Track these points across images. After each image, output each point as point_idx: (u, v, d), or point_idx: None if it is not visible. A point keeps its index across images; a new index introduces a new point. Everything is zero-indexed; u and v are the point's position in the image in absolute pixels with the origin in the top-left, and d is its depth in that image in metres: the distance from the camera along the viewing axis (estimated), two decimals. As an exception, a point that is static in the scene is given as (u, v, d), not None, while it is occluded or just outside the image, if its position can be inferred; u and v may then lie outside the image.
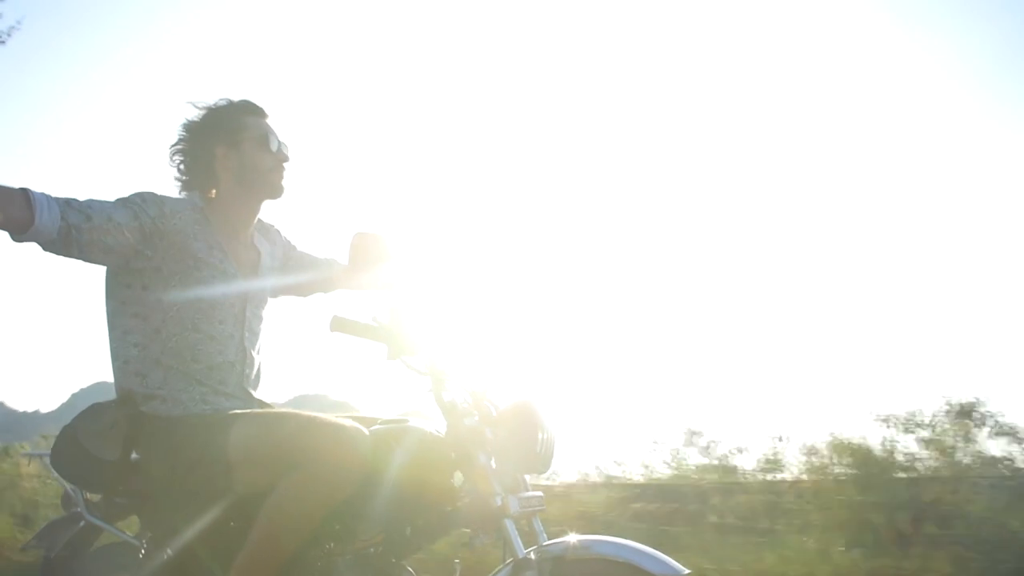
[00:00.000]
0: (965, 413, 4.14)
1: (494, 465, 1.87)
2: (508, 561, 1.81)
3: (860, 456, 4.12)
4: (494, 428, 1.89)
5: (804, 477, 4.34)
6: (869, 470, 4.05)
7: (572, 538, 1.83)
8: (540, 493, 1.95)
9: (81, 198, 1.91)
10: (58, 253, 1.89)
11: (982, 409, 4.16)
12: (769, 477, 4.42)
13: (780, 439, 4.43)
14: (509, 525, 1.81)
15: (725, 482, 4.47)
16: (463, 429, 1.88)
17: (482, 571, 1.90)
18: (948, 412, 4.16)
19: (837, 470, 4.16)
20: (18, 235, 1.80)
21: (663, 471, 4.88)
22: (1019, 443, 4.07)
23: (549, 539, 1.86)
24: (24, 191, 1.79)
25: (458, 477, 1.93)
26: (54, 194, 1.86)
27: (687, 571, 1.71)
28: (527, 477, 1.96)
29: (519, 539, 1.80)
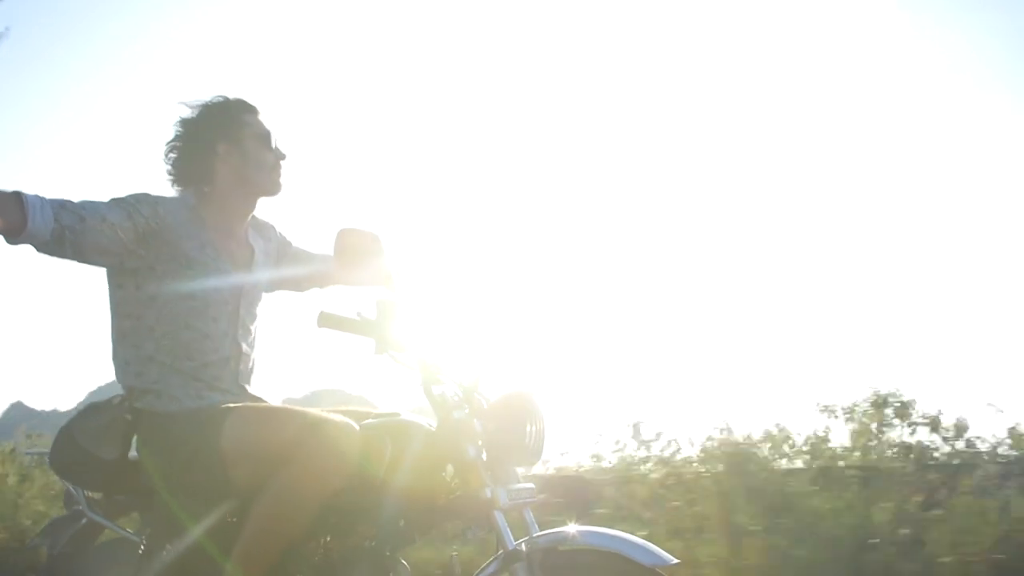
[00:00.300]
0: (882, 404, 4.24)
1: (484, 458, 1.88)
2: (499, 553, 1.82)
3: (733, 449, 4.20)
4: (484, 421, 1.90)
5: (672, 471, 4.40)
6: (742, 462, 4.12)
7: (563, 529, 1.84)
8: (532, 485, 1.96)
9: (75, 200, 1.94)
10: (53, 254, 1.92)
11: (899, 400, 4.24)
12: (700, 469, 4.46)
13: (725, 430, 4.52)
14: (499, 517, 1.82)
15: (624, 475, 4.47)
16: (452, 422, 1.89)
17: (478, 563, 1.90)
18: (870, 402, 4.27)
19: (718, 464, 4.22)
20: (12, 238, 1.83)
21: (606, 462, 4.90)
22: (937, 432, 4.15)
23: (542, 530, 1.87)
24: (17, 194, 1.82)
25: (450, 470, 1.94)
26: (48, 196, 1.89)
27: (676, 560, 1.71)
28: (519, 469, 1.97)
29: (509, 531, 1.81)
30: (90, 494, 2.19)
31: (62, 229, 1.87)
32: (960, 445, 4.07)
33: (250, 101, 2.26)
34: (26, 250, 1.89)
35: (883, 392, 4.24)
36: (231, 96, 2.25)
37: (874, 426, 4.20)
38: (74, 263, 1.97)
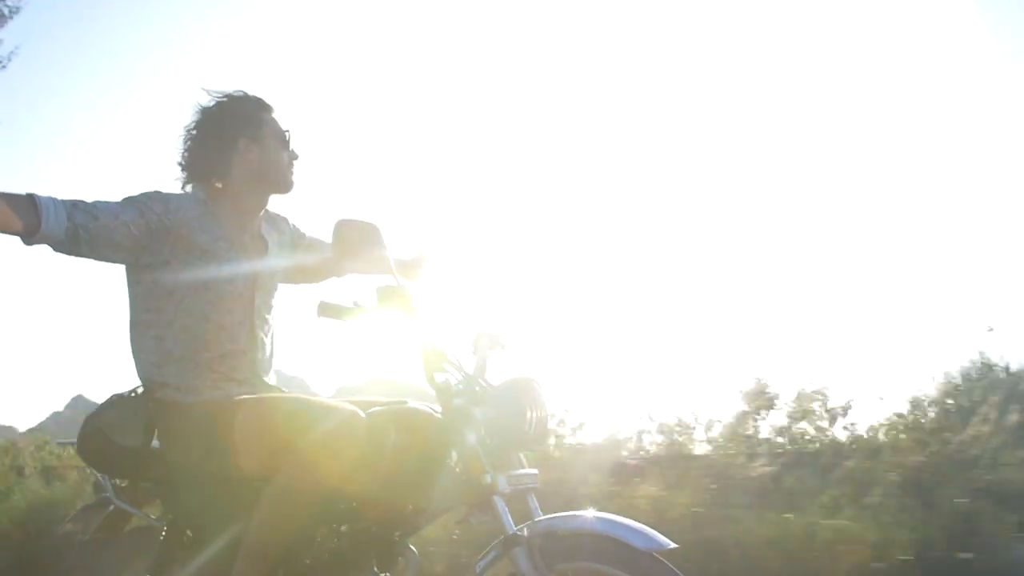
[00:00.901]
0: (756, 395, 4.37)
1: (487, 443, 1.89)
2: (500, 538, 1.83)
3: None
4: (484, 407, 1.91)
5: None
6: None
7: (563, 514, 1.85)
8: (534, 471, 1.97)
9: (88, 200, 2.01)
10: (68, 253, 1.98)
11: (770, 392, 4.39)
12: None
13: (649, 419, 4.69)
14: (499, 502, 1.83)
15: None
16: (453, 409, 1.91)
17: (484, 548, 1.92)
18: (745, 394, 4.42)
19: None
20: (28, 238, 1.89)
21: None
22: (807, 421, 4.31)
23: (544, 515, 1.88)
24: (31, 196, 1.88)
25: (454, 456, 1.96)
26: (61, 197, 1.96)
27: (673, 545, 1.70)
28: (521, 455, 1.98)
29: (509, 516, 1.82)
30: (118, 482, 2.28)
31: (75, 228, 1.93)
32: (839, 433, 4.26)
33: (267, 100, 2.31)
34: (43, 250, 1.96)
35: (761, 382, 4.40)
36: (251, 93, 2.29)
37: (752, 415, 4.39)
38: (91, 261, 2.04)
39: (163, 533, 2.16)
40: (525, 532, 1.82)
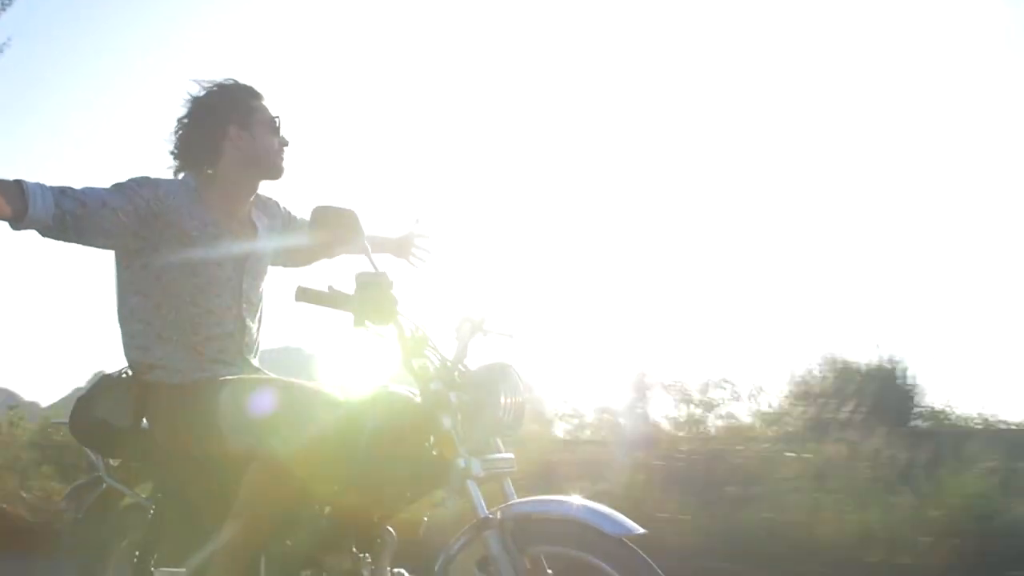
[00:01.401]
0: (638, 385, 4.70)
1: (460, 428, 1.91)
2: (473, 521, 1.85)
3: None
4: (459, 392, 1.92)
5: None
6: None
7: (535, 498, 1.86)
8: (510, 455, 1.99)
9: (77, 186, 2.04)
10: (56, 238, 2.01)
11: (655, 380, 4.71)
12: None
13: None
14: (472, 486, 1.85)
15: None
16: (429, 394, 1.93)
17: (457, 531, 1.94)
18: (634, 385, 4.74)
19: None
20: (15, 224, 1.92)
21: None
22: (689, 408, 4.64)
23: (518, 499, 1.90)
24: (18, 182, 1.91)
25: (432, 440, 1.98)
26: (50, 184, 1.99)
27: (642, 530, 1.71)
28: (498, 440, 2.00)
29: (482, 500, 1.84)
30: (110, 461, 2.33)
31: (63, 214, 1.96)
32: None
33: (257, 88, 2.33)
34: (30, 235, 2.00)
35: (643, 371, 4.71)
36: (241, 81, 2.32)
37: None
38: (79, 246, 2.07)
39: (151, 511, 2.21)
40: (498, 516, 1.84)
